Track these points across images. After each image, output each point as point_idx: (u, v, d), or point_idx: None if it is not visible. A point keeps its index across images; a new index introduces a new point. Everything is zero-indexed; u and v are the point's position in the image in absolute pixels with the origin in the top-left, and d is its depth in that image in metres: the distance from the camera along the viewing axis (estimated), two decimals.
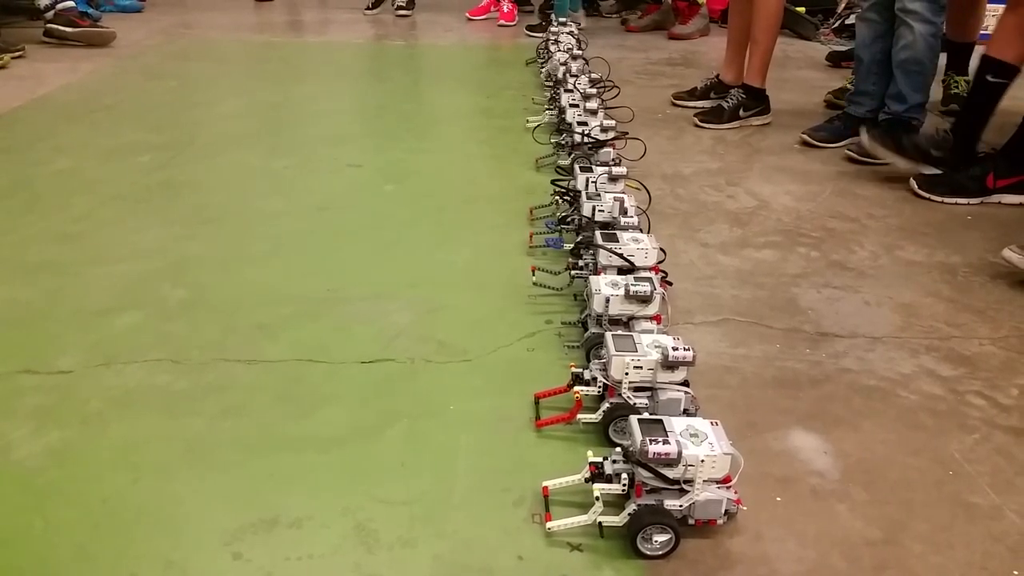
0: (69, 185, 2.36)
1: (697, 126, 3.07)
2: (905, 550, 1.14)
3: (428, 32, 4.81)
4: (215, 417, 1.38)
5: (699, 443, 1.11)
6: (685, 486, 1.11)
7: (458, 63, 4.20)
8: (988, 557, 1.13)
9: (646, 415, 1.20)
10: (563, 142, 2.56)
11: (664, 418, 1.16)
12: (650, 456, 1.09)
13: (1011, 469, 1.29)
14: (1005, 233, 2.13)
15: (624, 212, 1.84)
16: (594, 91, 2.74)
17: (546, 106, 3.01)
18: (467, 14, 5.14)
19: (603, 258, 1.66)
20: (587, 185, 2.00)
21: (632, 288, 1.48)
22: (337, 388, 1.47)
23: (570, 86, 2.81)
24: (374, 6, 5.22)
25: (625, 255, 1.65)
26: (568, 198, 2.03)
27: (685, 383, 1.34)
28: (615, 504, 1.15)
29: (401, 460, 1.29)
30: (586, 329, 1.57)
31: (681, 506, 1.12)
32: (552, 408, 1.40)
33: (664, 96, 3.44)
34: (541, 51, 3.77)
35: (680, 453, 1.09)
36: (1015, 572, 1.10)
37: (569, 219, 2.00)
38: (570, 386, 1.40)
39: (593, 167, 2.07)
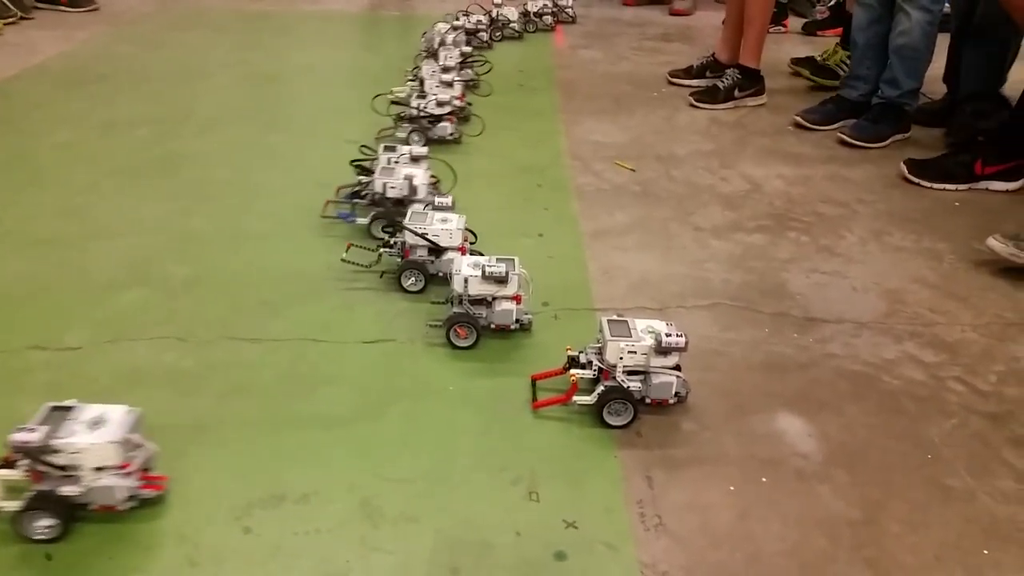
0: (69, 158, 2.38)
1: (692, 106, 3.09)
2: (883, 530, 1.20)
3: (424, 2, 4.78)
4: (222, 395, 1.42)
5: (93, 431, 1.12)
6: (75, 473, 1.12)
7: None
8: (962, 537, 1.19)
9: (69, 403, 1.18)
10: (402, 115, 2.57)
11: (78, 406, 1.16)
12: (14, 444, 1.09)
13: (986, 453, 1.35)
14: (991, 220, 2.18)
15: (414, 190, 1.90)
16: (454, 64, 2.76)
17: (409, 76, 2.94)
18: None
19: (410, 238, 1.72)
20: (389, 163, 2.01)
21: (488, 269, 1.53)
22: (340, 367, 1.51)
23: (441, 58, 2.83)
24: None
25: (429, 235, 1.71)
26: (366, 175, 2.06)
27: (677, 367, 1.40)
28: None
29: (403, 438, 1.34)
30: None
31: (76, 493, 1.12)
32: (548, 390, 1.44)
33: (660, 73, 3.45)
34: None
35: (44, 442, 1.09)
36: (985, 551, 1.17)
37: (363, 194, 2.02)
38: (566, 368, 1.45)
39: (397, 147, 2.08)
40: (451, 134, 2.51)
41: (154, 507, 1.18)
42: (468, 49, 3.13)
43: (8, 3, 3.79)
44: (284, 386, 1.45)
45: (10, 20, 3.77)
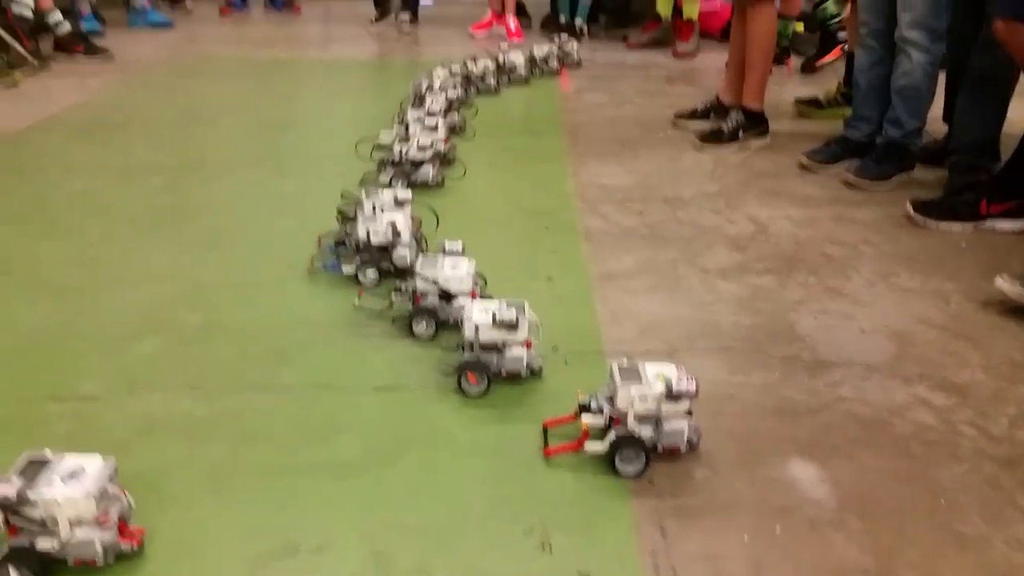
0: (83, 207, 2.42)
1: (697, 148, 3.13)
2: None
3: (431, 48, 4.88)
4: (235, 444, 1.43)
5: (68, 483, 1.12)
6: (52, 526, 1.11)
7: None
8: None
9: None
10: (384, 159, 2.61)
11: (55, 457, 1.16)
12: None
13: (1000, 499, 1.35)
14: (997, 259, 2.19)
15: (397, 235, 1.93)
16: (439, 109, 2.82)
17: (396, 120, 2.98)
18: (470, 29, 5.20)
19: (420, 284, 1.74)
20: (374, 210, 2.02)
21: (499, 315, 1.54)
22: (352, 415, 1.52)
23: (427, 103, 2.90)
24: (378, 20, 5.28)
25: (439, 281, 1.73)
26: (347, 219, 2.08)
27: (689, 412, 1.40)
28: None
29: (415, 487, 1.34)
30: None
31: (54, 548, 1.11)
32: (560, 436, 1.45)
33: (665, 115, 3.49)
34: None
35: (21, 495, 1.09)
36: None
37: (347, 242, 2.05)
38: (577, 415, 1.45)
39: (378, 191, 2.09)
40: (433, 178, 2.55)
41: (171, 557, 1.18)
42: (454, 94, 3.19)
43: (26, 54, 3.88)
44: (296, 434, 1.46)
45: (28, 70, 3.86)
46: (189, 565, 1.18)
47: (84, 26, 4.64)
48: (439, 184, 2.58)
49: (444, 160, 2.70)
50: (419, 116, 2.74)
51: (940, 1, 2.61)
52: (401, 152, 2.55)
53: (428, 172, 2.54)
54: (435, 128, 2.66)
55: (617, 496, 1.33)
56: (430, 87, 3.16)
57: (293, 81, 4.09)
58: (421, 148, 2.55)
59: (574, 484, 1.35)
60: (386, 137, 2.72)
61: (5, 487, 1.10)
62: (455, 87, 3.33)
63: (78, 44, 4.24)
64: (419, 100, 3.07)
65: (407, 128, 2.70)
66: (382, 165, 2.60)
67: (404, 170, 2.54)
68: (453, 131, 3.00)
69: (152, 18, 5.14)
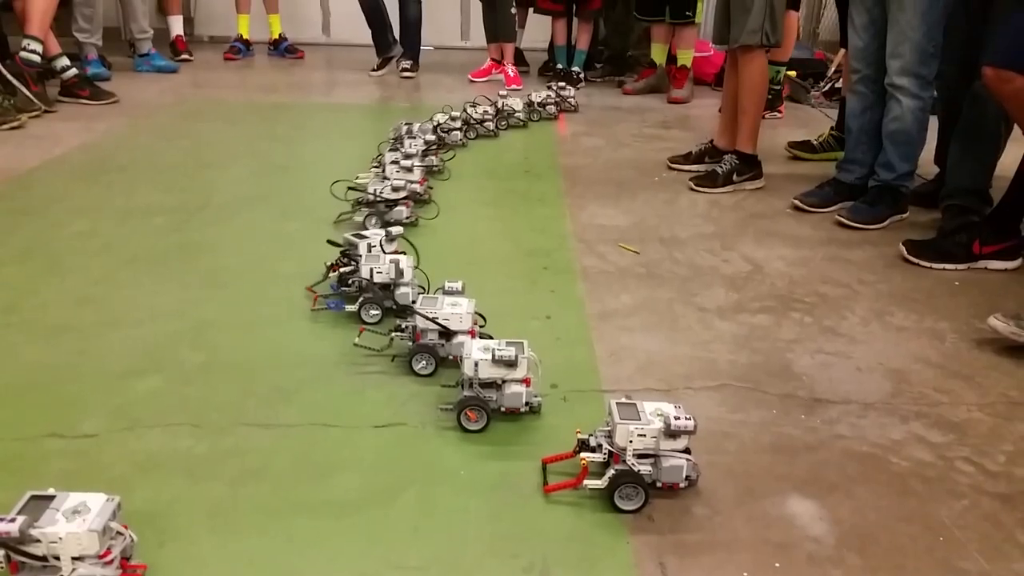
0: (87, 247, 2.44)
1: (692, 190, 3.17)
2: None
3: (431, 94, 4.96)
4: (235, 481, 1.43)
5: (72, 520, 1.12)
6: (55, 562, 1.12)
7: None
8: None
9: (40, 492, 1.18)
10: (360, 200, 2.68)
11: (59, 494, 1.17)
12: None
13: (999, 535, 1.35)
14: (991, 299, 2.21)
15: (400, 273, 1.96)
16: (415, 151, 2.92)
17: (373, 163, 3.07)
18: (469, 76, 5.30)
19: (420, 322, 1.77)
20: (369, 249, 2.08)
21: (498, 353, 1.56)
22: (351, 452, 1.52)
23: (406, 146, 3.00)
24: (379, 67, 5.38)
25: (440, 319, 1.75)
26: (348, 260, 2.12)
27: (687, 450, 1.41)
28: None
29: (414, 525, 1.34)
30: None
31: None
32: (559, 473, 1.45)
33: (660, 159, 3.55)
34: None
35: (23, 532, 1.09)
36: None
37: (350, 281, 2.08)
38: (576, 452, 1.46)
39: (365, 234, 2.15)
40: (407, 217, 2.61)
41: None
42: (432, 138, 3.27)
43: (32, 97, 3.94)
44: (296, 472, 1.47)
45: (34, 113, 3.92)
46: None
47: (90, 71, 4.72)
48: (413, 223, 2.63)
49: (419, 200, 2.77)
50: (396, 158, 2.82)
51: (928, 50, 2.67)
52: (375, 192, 2.62)
53: (402, 212, 2.61)
54: (410, 169, 2.75)
55: (616, 532, 1.33)
56: (409, 131, 3.25)
57: (295, 125, 4.15)
58: (395, 189, 2.63)
59: (574, 521, 1.35)
60: (364, 178, 2.79)
61: (7, 524, 1.10)
62: (434, 132, 3.42)
63: (84, 89, 4.30)
64: (398, 143, 3.15)
65: (383, 169, 2.79)
66: (357, 204, 2.68)
67: (378, 209, 2.61)
68: (430, 172, 3.09)
69: (157, 63, 5.23)
